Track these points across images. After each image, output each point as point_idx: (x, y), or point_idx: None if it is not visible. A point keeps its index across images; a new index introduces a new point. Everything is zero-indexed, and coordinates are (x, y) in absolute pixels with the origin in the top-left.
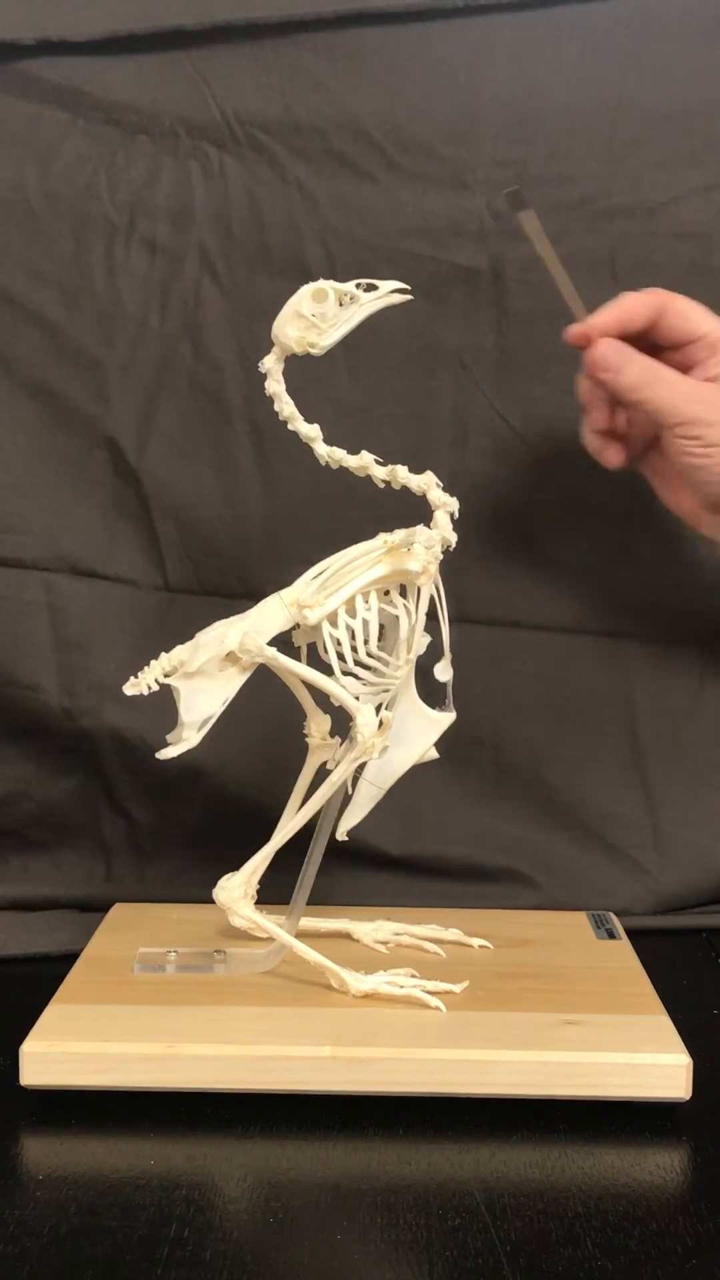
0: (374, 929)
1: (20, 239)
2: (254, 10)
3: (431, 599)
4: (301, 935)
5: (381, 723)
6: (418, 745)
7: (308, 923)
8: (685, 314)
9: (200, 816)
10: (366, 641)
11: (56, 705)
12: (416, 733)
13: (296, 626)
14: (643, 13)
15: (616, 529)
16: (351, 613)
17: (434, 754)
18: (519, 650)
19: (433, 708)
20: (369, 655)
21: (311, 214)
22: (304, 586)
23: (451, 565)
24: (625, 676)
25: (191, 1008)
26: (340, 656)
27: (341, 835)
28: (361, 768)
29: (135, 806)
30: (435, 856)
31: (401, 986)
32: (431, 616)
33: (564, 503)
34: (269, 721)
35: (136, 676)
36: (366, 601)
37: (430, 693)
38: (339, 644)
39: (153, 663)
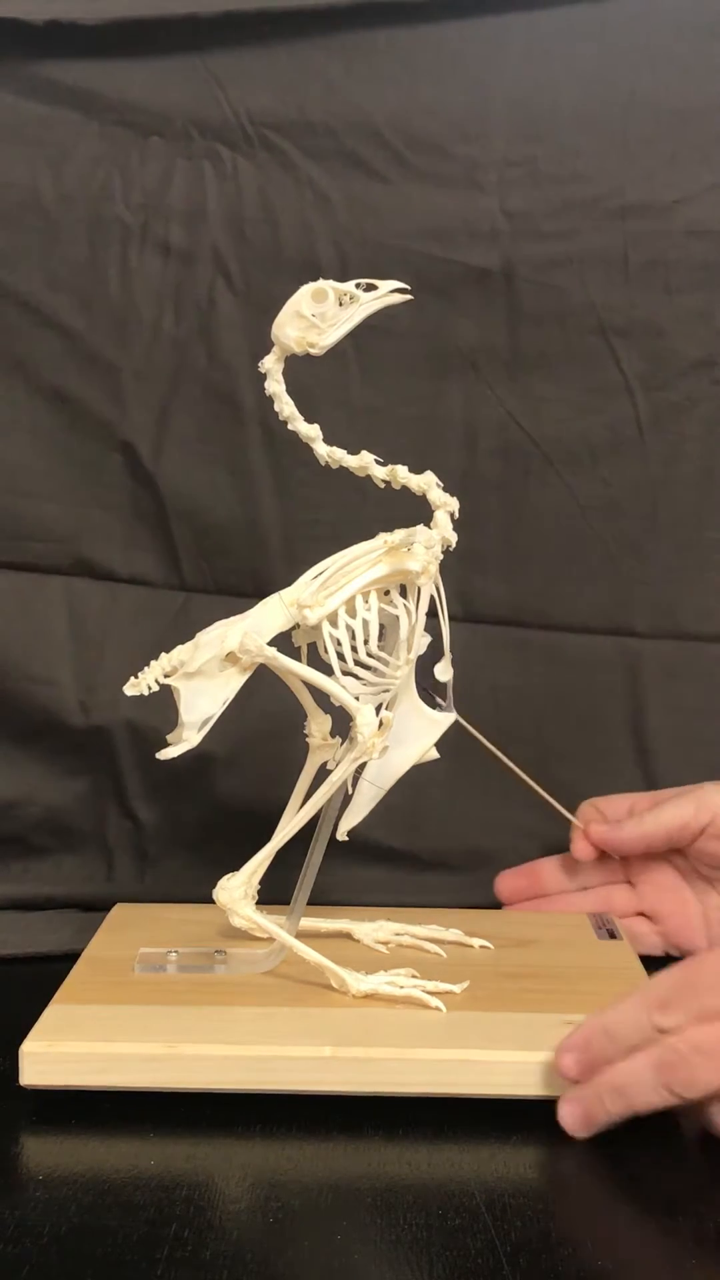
0: (374, 929)
1: (36, 243)
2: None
3: (432, 599)
4: (302, 935)
5: (381, 723)
6: (418, 745)
7: (308, 923)
8: None
9: (201, 816)
10: (366, 641)
11: (74, 704)
12: (417, 733)
13: (296, 626)
14: (655, 10)
15: (625, 528)
16: (351, 613)
17: (434, 754)
18: (528, 649)
19: (433, 708)
20: (369, 655)
21: (324, 214)
22: (304, 586)
23: (460, 565)
24: (634, 675)
25: (191, 1008)
26: (340, 656)
27: (342, 835)
28: (362, 768)
29: (140, 806)
30: (435, 849)
31: (402, 987)
32: (432, 616)
33: (573, 502)
34: (269, 721)
35: (137, 677)
36: (366, 601)
37: (430, 693)
38: (339, 644)
39: (153, 663)
